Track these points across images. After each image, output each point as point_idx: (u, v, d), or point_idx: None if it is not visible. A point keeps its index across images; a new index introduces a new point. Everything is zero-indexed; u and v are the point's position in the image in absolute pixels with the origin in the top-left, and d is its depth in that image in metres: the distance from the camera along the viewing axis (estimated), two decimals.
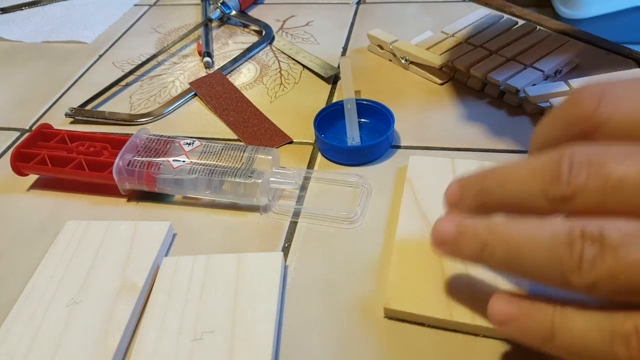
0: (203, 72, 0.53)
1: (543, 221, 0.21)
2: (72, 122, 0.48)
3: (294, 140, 0.42)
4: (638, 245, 0.18)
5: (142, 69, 0.54)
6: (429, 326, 0.28)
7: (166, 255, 0.34)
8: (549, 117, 0.23)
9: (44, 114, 0.50)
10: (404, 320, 0.28)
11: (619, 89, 0.20)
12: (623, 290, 0.18)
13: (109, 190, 0.38)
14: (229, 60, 0.54)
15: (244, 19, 0.62)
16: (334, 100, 0.47)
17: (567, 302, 0.21)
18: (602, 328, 0.19)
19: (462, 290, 0.28)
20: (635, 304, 0.19)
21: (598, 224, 0.19)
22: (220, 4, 0.61)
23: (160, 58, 0.56)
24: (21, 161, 0.39)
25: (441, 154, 0.39)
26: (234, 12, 0.62)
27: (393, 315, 0.28)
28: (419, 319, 0.28)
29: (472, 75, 0.44)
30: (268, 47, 0.56)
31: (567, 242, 0.19)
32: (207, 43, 0.57)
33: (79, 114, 0.48)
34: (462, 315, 0.27)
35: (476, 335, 0.27)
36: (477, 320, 0.26)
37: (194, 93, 0.49)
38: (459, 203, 0.25)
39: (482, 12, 0.52)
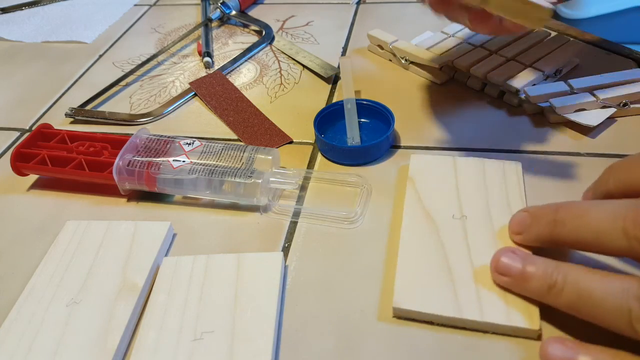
0: (203, 72, 0.53)
1: (613, 273, 0.23)
2: (72, 122, 0.48)
3: (294, 140, 0.42)
4: None
5: (142, 69, 0.54)
6: (437, 324, 0.27)
7: (166, 255, 0.34)
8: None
9: (44, 114, 0.50)
10: (413, 320, 0.28)
11: None
12: None
13: (109, 190, 0.38)
14: (229, 60, 0.54)
15: (244, 19, 0.62)
16: (334, 100, 0.47)
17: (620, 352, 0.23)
18: None
19: (469, 287, 0.28)
20: None
21: None
22: (220, 4, 0.61)
23: (160, 58, 0.56)
24: (21, 161, 0.39)
25: (441, 154, 0.39)
26: (234, 12, 0.62)
27: (402, 315, 0.28)
28: (429, 317, 0.27)
29: (472, 75, 0.44)
30: (268, 47, 0.56)
31: (637, 296, 0.21)
32: (207, 43, 0.57)
33: (79, 114, 0.48)
34: (472, 312, 0.27)
35: (485, 332, 0.27)
36: (486, 317, 0.26)
37: (194, 93, 0.49)
38: (526, 231, 0.28)
39: None
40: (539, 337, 0.26)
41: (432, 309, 0.27)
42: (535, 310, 0.26)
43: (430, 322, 0.28)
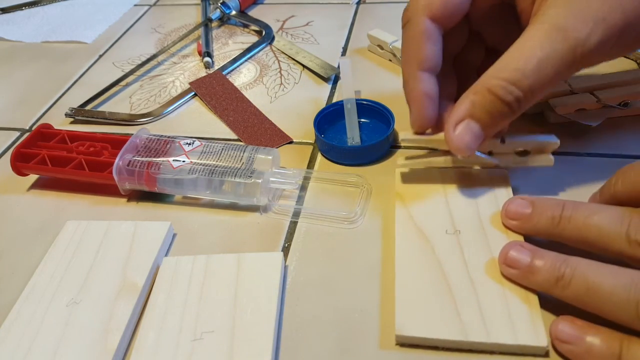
0: (203, 72, 0.53)
1: (621, 267, 0.23)
2: (72, 122, 0.48)
3: (294, 140, 0.42)
4: None
5: (142, 69, 0.54)
6: (442, 349, 0.26)
7: (166, 255, 0.34)
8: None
9: (44, 114, 0.50)
10: (417, 346, 0.27)
11: None
12: None
13: (109, 190, 0.38)
14: (229, 60, 0.54)
15: (244, 19, 0.62)
16: (334, 100, 0.47)
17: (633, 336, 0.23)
18: None
19: (472, 307, 0.27)
20: None
21: None
22: (220, 4, 0.61)
23: (160, 58, 0.56)
24: (21, 161, 0.39)
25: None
26: (234, 12, 0.62)
27: (406, 342, 0.27)
28: (434, 342, 0.26)
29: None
30: (268, 47, 0.56)
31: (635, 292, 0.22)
32: (207, 43, 0.57)
33: (79, 114, 0.48)
34: (478, 334, 0.26)
35: (492, 352, 0.26)
36: (493, 338, 0.25)
37: (194, 93, 0.49)
38: (525, 220, 0.28)
39: None
40: (546, 354, 0.25)
41: (436, 334, 0.26)
42: (541, 326, 0.25)
43: (435, 348, 0.27)
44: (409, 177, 0.35)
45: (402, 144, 0.39)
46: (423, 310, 0.27)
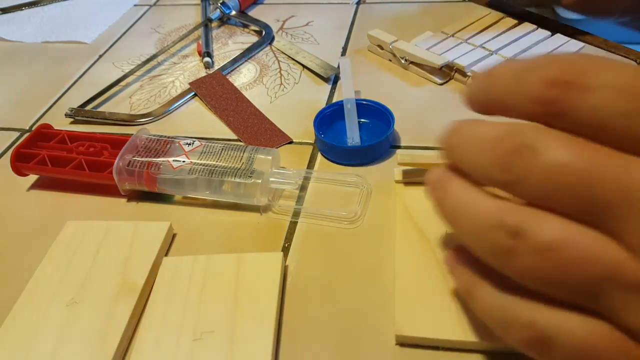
0: (203, 72, 0.53)
1: (483, 196, 0.21)
2: (72, 122, 0.48)
3: (294, 140, 0.42)
4: (552, 250, 0.18)
5: (142, 69, 0.54)
6: (443, 349, 0.26)
7: (166, 255, 0.34)
8: (512, 77, 0.21)
9: (44, 114, 0.50)
10: (417, 346, 0.27)
11: (592, 75, 0.18)
12: (528, 281, 0.20)
13: (109, 190, 0.38)
14: (229, 60, 0.54)
15: (243, 19, 0.62)
16: (334, 100, 0.47)
17: (489, 276, 0.22)
18: (506, 308, 0.21)
19: None
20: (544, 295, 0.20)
21: (522, 217, 0.19)
22: (220, 4, 0.61)
23: (160, 58, 0.56)
24: (21, 161, 0.39)
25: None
26: (233, 12, 0.62)
27: (406, 342, 0.27)
28: (434, 342, 0.26)
29: (472, 76, 0.44)
30: (268, 47, 0.56)
31: (491, 227, 0.20)
32: (207, 43, 0.57)
33: (79, 114, 0.48)
34: (478, 333, 0.25)
35: (492, 352, 0.26)
36: (495, 337, 0.24)
37: (194, 93, 0.49)
38: (443, 152, 0.25)
39: (482, 13, 0.52)
40: None
41: (437, 334, 0.26)
42: None
43: (435, 347, 0.27)
44: (410, 177, 0.35)
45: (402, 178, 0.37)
46: (423, 310, 0.27)
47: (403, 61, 0.49)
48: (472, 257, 0.23)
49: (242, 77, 0.52)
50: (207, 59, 0.54)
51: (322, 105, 0.46)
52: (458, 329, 0.26)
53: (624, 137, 0.18)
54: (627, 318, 0.18)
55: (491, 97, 0.22)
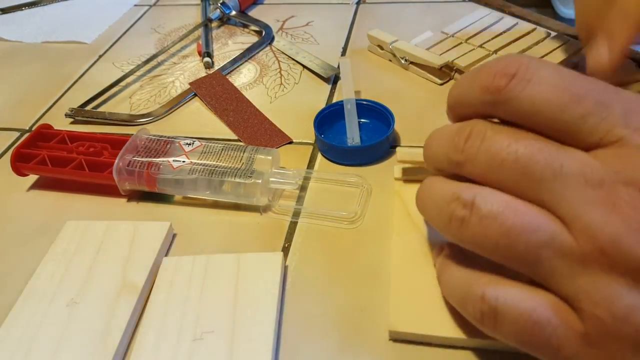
0: (203, 73, 0.53)
1: (447, 182, 0.24)
2: (72, 123, 0.48)
3: (294, 140, 0.42)
4: (497, 218, 0.21)
5: (142, 69, 0.54)
6: (436, 345, 0.27)
7: (166, 255, 0.34)
8: (468, 78, 0.24)
9: (44, 114, 0.50)
10: (409, 342, 0.27)
11: (533, 71, 0.22)
12: (478, 248, 0.22)
13: (109, 190, 0.38)
14: (229, 60, 0.54)
15: (243, 19, 0.62)
16: (334, 100, 0.47)
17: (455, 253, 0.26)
18: (464, 284, 0.24)
19: None
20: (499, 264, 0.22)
21: (474, 192, 0.22)
22: (220, 4, 0.62)
23: (160, 58, 0.56)
24: (21, 161, 0.39)
25: None
26: (233, 12, 0.62)
27: (398, 338, 0.27)
28: (427, 339, 0.27)
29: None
30: (268, 47, 0.56)
31: (448, 201, 0.23)
32: (207, 43, 0.57)
33: (79, 114, 0.48)
34: (472, 331, 0.25)
35: (484, 350, 0.26)
36: (486, 335, 0.25)
37: (194, 93, 0.49)
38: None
39: (482, 12, 0.52)
40: None
41: (430, 330, 0.26)
42: None
43: (428, 344, 0.27)
44: (409, 175, 0.35)
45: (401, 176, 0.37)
46: (417, 307, 0.27)
47: (403, 61, 0.49)
48: (447, 248, 0.26)
49: (242, 77, 0.52)
50: (207, 59, 0.54)
51: (322, 105, 0.46)
52: (451, 326, 0.26)
53: (556, 126, 0.21)
54: (564, 286, 0.21)
55: (454, 98, 0.26)
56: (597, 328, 0.20)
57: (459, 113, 0.26)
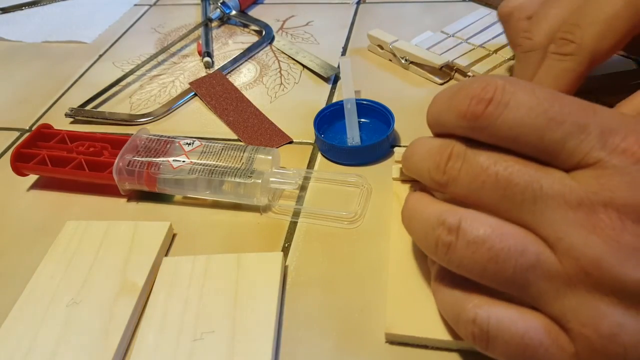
0: (203, 72, 0.53)
1: (432, 202, 0.25)
2: (72, 122, 0.48)
3: (294, 140, 0.42)
4: (484, 243, 0.21)
5: (142, 69, 0.54)
6: (432, 348, 0.27)
7: (166, 255, 0.34)
8: (445, 98, 0.24)
9: (44, 114, 0.50)
10: (406, 344, 0.27)
11: (510, 95, 0.21)
12: (467, 273, 0.22)
13: (109, 190, 0.38)
14: (229, 60, 0.54)
15: (244, 19, 0.62)
16: (334, 100, 0.47)
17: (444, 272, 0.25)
18: (455, 304, 0.23)
19: None
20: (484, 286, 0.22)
21: (459, 216, 0.22)
22: (220, 3, 0.62)
23: (160, 58, 0.56)
24: (21, 161, 0.39)
25: None
26: (234, 12, 0.62)
27: (395, 340, 0.27)
28: (423, 341, 0.27)
29: (472, 75, 0.44)
30: (268, 47, 0.56)
31: (434, 226, 0.23)
32: (207, 43, 0.57)
33: (79, 114, 0.48)
34: None
35: (480, 353, 0.25)
36: None
37: (194, 93, 0.49)
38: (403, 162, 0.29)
39: (482, 12, 0.52)
40: None
41: (426, 333, 0.26)
42: None
43: (424, 347, 0.27)
44: (406, 175, 0.35)
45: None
46: (413, 309, 0.27)
47: (403, 61, 0.49)
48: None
49: (242, 77, 0.52)
50: (207, 58, 0.54)
51: (322, 105, 0.46)
52: (448, 329, 0.26)
53: (535, 149, 0.21)
54: (552, 307, 0.21)
55: (431, 117, 0.26)
56: (587, 348, 0.20)
57: (438, 132, 0.26)
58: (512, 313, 0.21)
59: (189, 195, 0.37)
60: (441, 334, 0.26)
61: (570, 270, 0.20)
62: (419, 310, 0.27)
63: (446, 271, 0.24)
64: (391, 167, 0.38)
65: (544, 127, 0.21)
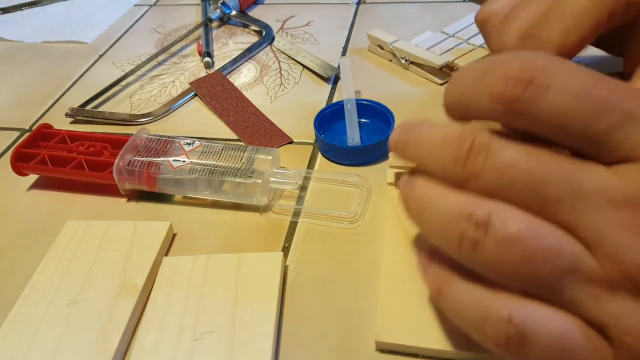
0: (203, 72, 0.53)
1: (449, 191, 0.21)
2: (72, 122, 0.48)
3: (294, 140, 0.42)
4: (518, 242, 0.19)
5: (142, 69, 0.54)
6: (423, 357, 0.26)
7: (166, 255, 0.34)
8: (473, 77, 0.21)
9: (44, 114, 0.50)
10: (397, 353, 0.27)
11: (551, 76, 0.19)
12: (495, 274, 0.20)
13: (109, 190, 0.38)
14: (229, 60, 0.54)
15: (244, 19, 0.62)
16: (334, 100, 0.47)
17: (461, 271, 0.22)
18: (480, 302, 0.20)
19: None
20: (514, 287, 0.20)
21: (488, 209, 0.19)
22: (220, 4, 0.62)
23: (160, 58, 0.56)
24: (21, 161, 0.39)
25: None
26: (234, 12, 0.62)
27: (385, 348, 0.27)
28: (413, 350, 0.26)
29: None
30: (268, 47, 0.56)
31: (457, 219, 0.20)
32: (207, 43, 0.57)
33: (79, 114, 0.48)
34: (459, 344, 0.25)
35: None
36: (473, 348, 0.25)
37: (194, 93, 0.49)
38: (394, 149, 0.25)
39: None
40: None
41: (417, 342, 0.26)
42: None
43: (415, 355, 0.26)
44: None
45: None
46: (404, 317, 0.27)
47: (403, 61, 0.49)
48: (443, 256, 0.23)
49: (242, 77, 0.52)
50: (207, 58, 0.54)
51: (322, 105, 0.46)
52: (438, 338, 0.26)
53: (577, 139, 0.19)
54: (591, 312, 0.19)
55: (454, 99, 0.23)
56: (629, 357, 0.18)
57: (460, 115, 0.23)
58: (550, 313, 0.19)
59: (189, 195, 0.37)
60: (432, 343, 0.26)
61: (612, 274, 0.18)
62: (410, 319, 0.27)
63: (456, 263, 0.22)
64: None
65: (590, 114, 0.18)
